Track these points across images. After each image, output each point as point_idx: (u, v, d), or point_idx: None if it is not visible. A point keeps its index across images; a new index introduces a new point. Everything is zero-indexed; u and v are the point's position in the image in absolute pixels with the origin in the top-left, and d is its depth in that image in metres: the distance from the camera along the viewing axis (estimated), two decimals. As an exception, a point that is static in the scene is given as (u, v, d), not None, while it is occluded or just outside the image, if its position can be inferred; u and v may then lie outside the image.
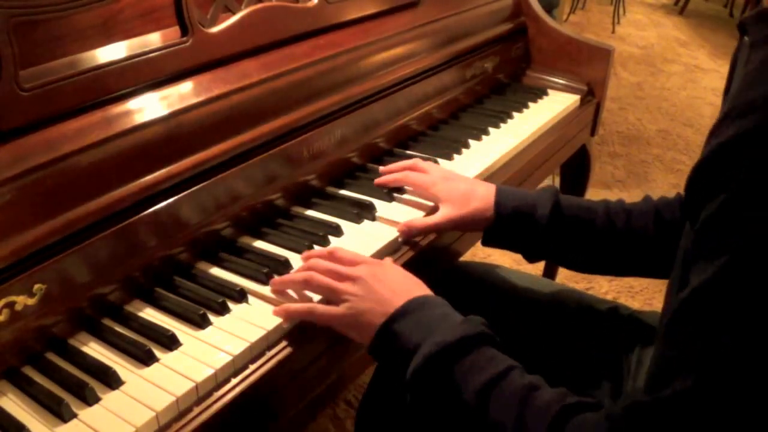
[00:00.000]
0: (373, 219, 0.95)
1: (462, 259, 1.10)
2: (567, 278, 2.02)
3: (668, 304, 0.67)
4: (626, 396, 0.56)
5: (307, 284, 0.76)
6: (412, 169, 0.99)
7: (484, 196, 0.90)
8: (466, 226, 0.93)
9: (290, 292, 0.79)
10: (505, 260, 2.01)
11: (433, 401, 0.67)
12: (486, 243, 0.94)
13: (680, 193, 0.90)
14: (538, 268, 1.93)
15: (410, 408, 0.70)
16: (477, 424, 0.63)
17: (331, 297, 0.75)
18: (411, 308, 0.70)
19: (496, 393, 0.62)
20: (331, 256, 0.79)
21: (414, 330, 0.68)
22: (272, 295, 0.78)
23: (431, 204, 0.97)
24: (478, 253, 2.07)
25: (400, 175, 0.99)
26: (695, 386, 0.51)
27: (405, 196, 1.00)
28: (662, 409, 0.52)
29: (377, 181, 1.01)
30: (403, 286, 0.74)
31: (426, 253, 0.92)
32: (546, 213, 0.87)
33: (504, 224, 0.90)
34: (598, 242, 0.89)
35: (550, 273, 1.73)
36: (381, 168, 1.03)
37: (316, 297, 0.78)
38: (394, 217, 0.95)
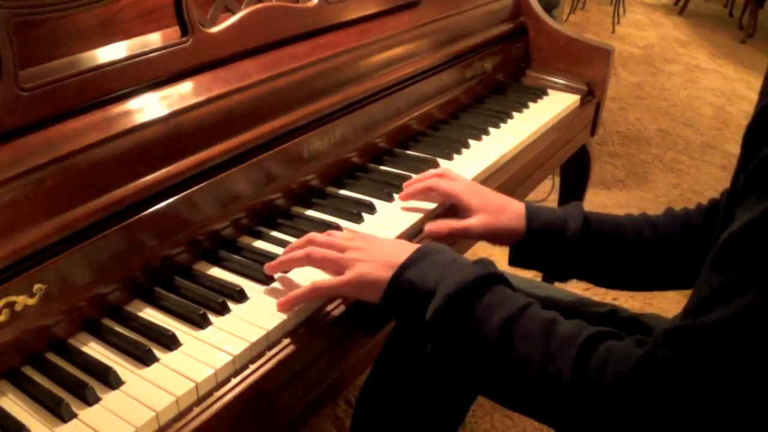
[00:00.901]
0: (373, 219, 0.95)
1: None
2: (567, 278, 2.02)
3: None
4: (661, 325, 0.56)
5: (309, 258, 0.77)
6: (440, 176, 0.98)
7: (516, 211, 0.91)
8: (497, 237, 0.92)
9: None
10: (505, 263, 2.01)
11: (455, 341, 0.68)
12: (514, 262, 0.94)
13: (701, 203, 0.90)
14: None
15: (430, 355, 0.72)
16: (501, 360, 0.64)
17: (335, 268, 0.76)
18: (420, 256, 0.72)
19: (518, 327, 0.64)
20: (327, 235, 0.81)
21: (427, 274, 0.70)
22: (272, 296, 0.78)
23: (432, 206, 0.97)
24: (478, 253, 2.07)
25: (429, 182, 0.96)
26: (738, 314, 0.51)
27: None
28: (705, 334, 0.53)
29: (402, 196, 0.98)
30: (403, 246, 0.76)
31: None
32: (577, 228, 0.88)
33: (535, 240, 0.90)
34: (627, 255, 0.89)
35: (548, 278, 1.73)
36: (405, 183, 1.00)
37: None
38: (395, 217, 0.95)
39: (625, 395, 0.56)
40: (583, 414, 0.59)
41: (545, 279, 0.94)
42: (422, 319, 0.69)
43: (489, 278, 0.69)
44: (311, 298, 0.76)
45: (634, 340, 0.59)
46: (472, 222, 0.91)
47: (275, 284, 0.80)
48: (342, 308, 0.79)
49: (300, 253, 0.78)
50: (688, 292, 0.59)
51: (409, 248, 0.75)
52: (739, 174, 0.57)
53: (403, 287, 0.71)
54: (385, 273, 0.72)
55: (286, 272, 0.81)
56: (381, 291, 0.72)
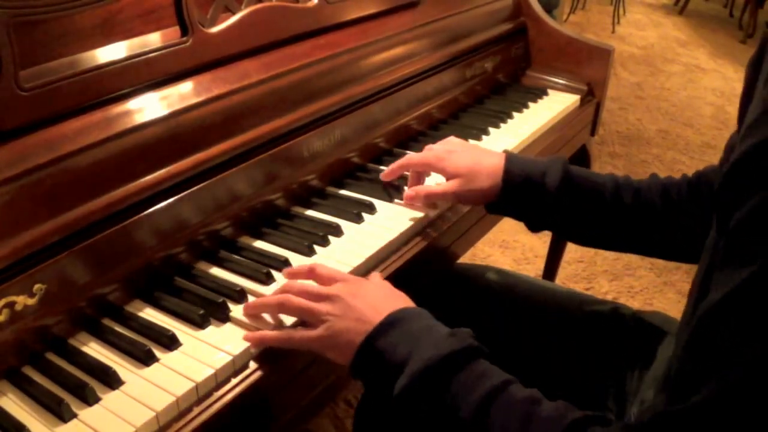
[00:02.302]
0: (373, 219, 0.95)
1: (461, 258, 1.10)
2: (567, 278, 2.02)
3: (692, 302, 0.65)
4: (647, 407, 0.55)
5: (282, 307, 0.73)
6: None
7: (491, 172, 0.89)
8: (475, 199, 0.93)
9: (265, 316, 0.75)
10: (506, 261, 2.01)
11: (426, 419, 0.64)
12: (491, 209, 0.94)
13: (686, 175, 0.90)
14: (538, 269, 1.93)
15: (402, 421, 0.68)
16: None
17: (307, 319, 0.71)
18: (392, 322, 0.67)
19: (494, 410, 0.60)
20: (311, 273, 0.76)
21: (398, 345, 0.65)
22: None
23: (434, 212, 0.97)
24: (478, 254, 2.07)
25: (402, 160, 0.97)
26: (721, 395, 0.50)
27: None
28: (688, 419, 0.51)
29: (383, 176, 1.00)
30: (384, 302, 0.70)
31: (424, 254, 0.92)
32: (556, 182, 0.87)
33: (511, 194, 0.89)
34: (605, 215, 0.89)
35: (549, 276, 1.73)
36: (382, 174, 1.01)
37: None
38: (395, 217, 0.95)
39: None
40: None
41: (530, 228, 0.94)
42: (391, 393, 0.65)
43: (463, 353, 0.64)
44: (280, 345, 0.72)
45: (620, 427, 0.57)
46: (448, 186, 0.92)
47: (276, 284, 0.80)
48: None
49: (274, 299, 0.73)
50: (687, 292, 0.59)
51: (388, 305, 0.69)
52: (719, 237, 0.55)
53: (371, 357, 0.66)
54: (357, 337, 0.67)
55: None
56: (351, 355, 0.67)
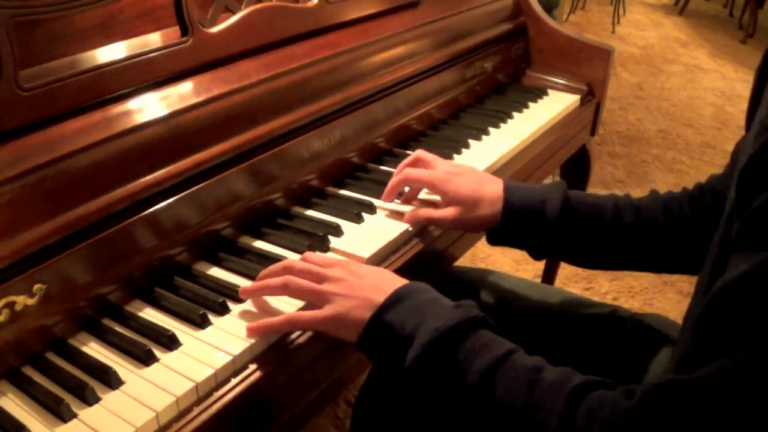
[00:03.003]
0: (374, 219, 0.95)
1: (461, 259, 1.10)
2: (567, 279, 2.02)
3: (697, 298, 0.66)
4: (653, 376, 0.55)
5: (287, 289, 0.73)
6: (415, 163, 0.96)
7: (492, 199, 0.89)
8: (473, 227, 0.92)
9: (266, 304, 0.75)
10: (506, 261, 2.01)
11: (435, 389, 0.65)
12: (492, 241, 0.93)
13: (687, 188, 0.90)
14: (537, 269, 1.93)
15: (411, 396, 0.69)
16: (484, 409, 0.62)
17: (312, 300, 0.72)
18: (399, 297, 0.69)
19: (500, 376, 0.61)
20: (305, 260, 0.77)
21: (406, 318, 0.67)
22: (272, 295, 0.78)
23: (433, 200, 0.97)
24: (478, 254, 2.07)
25: (402, 174, 0.94)
26: (731, 370, 0.50)
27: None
28: (694, 390, 0.52)
29: (384, 197, 0.97)
30: (384, 280, 0.72)
31: (422, 254, 0.92)
32: (556, 210, 0.86)
33: (512, 224, 0.89)
34: (607, 236, 0.89)
35: (548, 277, 1.73)
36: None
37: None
38: (395, 217, 0.95)
39: None
40: None
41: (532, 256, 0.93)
42: (401, 366, 0.66)
43: (470, 323, 0.66)
44: (286, 330, 0.73)
45: (623, 391, 0.57)
46: (447, 213, 0.90)
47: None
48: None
49: (277, 281, 0.74)
50: (688, 292, 0.59)
51: (391, 284, 0.71)
52: (733, 217, 0.56)
53: (381, 332, 0.68)
54: (364, 313, 0.68)
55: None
56: (359, 331, 0.69)
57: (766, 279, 0.50)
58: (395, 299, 0.69)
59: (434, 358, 0.64)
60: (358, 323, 0.69)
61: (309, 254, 0.79)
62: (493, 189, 0.89)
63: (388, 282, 0.72)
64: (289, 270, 0.75)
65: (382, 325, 0.68)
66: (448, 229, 0.96)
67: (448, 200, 0.91)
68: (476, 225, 0.90)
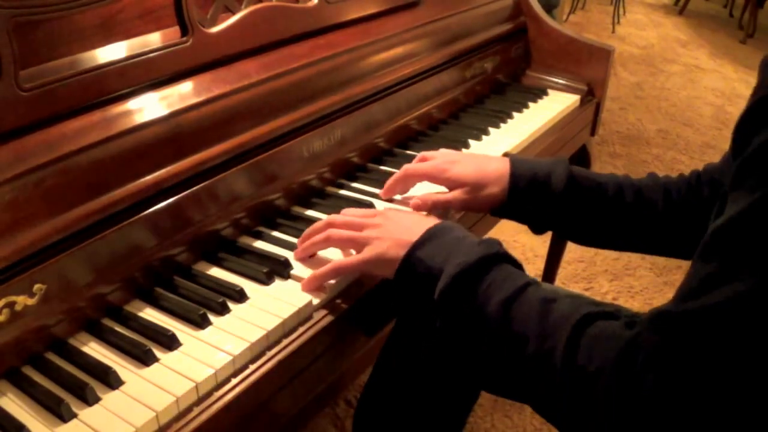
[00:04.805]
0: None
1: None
2: (567, 279, 2.02)
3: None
4: (654, 308, 0.57)
5: (329, 241, 0.81)
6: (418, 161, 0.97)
7: (497, 177, 0.90)
8: (478, 209, 0.94)
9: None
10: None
11: (460, 321, 0.70)
12: (495, 213, 0.94)
13: (683, 174, 0.91)
14: (538, 269, 1.93)
15: (439, 332, 0.74)
16: (500, 340, 0.65)
17: (353, 247, 0.80)
18: (429, 236, 0.75)
19: (516, 307, 0.65)
20: (344, 214, 0.84)
21: (435, 254, 0.73)
22: (272, 296, 0.78)
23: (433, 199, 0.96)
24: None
25: (400, 173, 0.96)
26: (730, 301, 0.52)
27: (405, 196, 1.00)
28: (692, 320, 0.53)
29: (382, 194, 0.98)
30: (416, 222, 0.78)
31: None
32: (562, 183, 0.88)
33: (518, 197, 0.90)
34: (608, 214, 0.90)
35: (549, 276, 1.73)
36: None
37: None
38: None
39: (611, 380, 0.56)
40: (573, 399, 0.59)
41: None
42: (432, 299, 0.71)
43: (492, 258, 0.70)
44: (333, 277, 0.79)
45: (625, 323, 0.60)
46: (456, 195, 0.92)
47: (276, 284, 0.80)
48: (342, 309, 0.79)
49: (321, 236, 0.81)
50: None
51: (424, 225, 0.77)
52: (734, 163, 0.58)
53: (413, 267, 0.74)
54: (399, 252, 0.75)
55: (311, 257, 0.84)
56: (395, 268, 0.75)
57: (761, 215, 0.52)
58: (426, 238, 0.75)
59: (460, 290, 0.69)
60: (394, 261, 0.75)
61: (348, 210, 0.85)
62: (498, 166, 0.91)
63: (420, 223, 0.78)
64: (330, 224, 0.82)
65: (415, 261, 0.74)
66: (458, 212, 0.97)
67: (453, 186, 0.92)
68: (485, 204, 0.92)
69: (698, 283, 0.54)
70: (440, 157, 0.95)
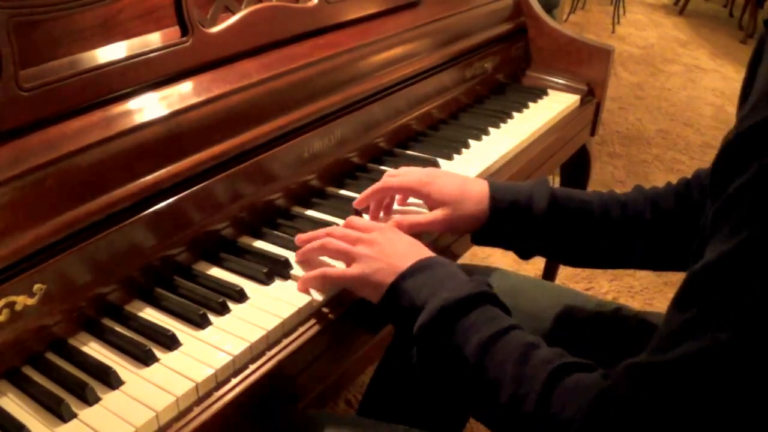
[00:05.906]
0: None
1: (462, 258, 1.10)
2: (567, 278, 2.02)
3: None
4: (628, 360, 0.56)
5: (324, 249, 0.81)
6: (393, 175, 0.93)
7: (478, 198, 0.88)
8: (461, 228, 0.90)
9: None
10: (506, 261, 2.01)
11: (437, 357, 0.68)
12: (477, 240, 0.92)
13: (671, 183, 0.90)
14: (538, 269, 1.93)
15: (417, 366, 0.74)
16: (476, 381, 0.64)
17: (345, 260, 0.79)
18: (420, 267, 0.73)
19: (494, 350, 0.64)
20: (349, 224, 0.83)
21: (422, 288, 0.71)
22: (272, 296, 0.78)
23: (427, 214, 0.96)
24: (478, 253, 2.07)
25: (378, 184, 0.91)
26: (703, 353, 0.51)
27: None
28: (664, 372, 0.52)
29: (356, 204, 0.93)
30: (413, 249, 0.77)
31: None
32: (543, 206, 0.86)
33: (499, 220, 0.87)
34: (595, 233, 0.88)
35: (549, 276, 1.73)
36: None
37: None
38: (394, 217, 0.94)
39: (583, 429, 0.56)
40: None
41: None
42: (411, 330, 0.70)
43: (477, 297, 0.68)
44: (320, 283, 0.78)
45: (601, 374, 0.58)
46: (434, 216, 0.88)
47: (275, 284, 0.80)
48: (342, 308, 0.79)
49: (317, 243, 0.81)
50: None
51: (417, 254, 0.75)
52: (710, 196, 0.57)
53: (398, 296, 0.72)
54: (386, 278, 0.73)
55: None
56: (381, 294, 0.73)
57: (736, 266, 0.51)
58: (416, 269, 0.72)
59: (439, 327, 0.67)
60: (380, 286, 0.73)
61: (352, 218, 0.84)
62: (478, 188, 0.89)
63: (415, 252, 0.76)
64: (330, 234, 0.81)
65: (400, 291, 0.72)
66: (437, 232, 0.94)
67: (433, 202, 0.89)
68: (465, 224, 0.89)
69: (674, 332, 0.53)
70: (417, 172, 0.92)
